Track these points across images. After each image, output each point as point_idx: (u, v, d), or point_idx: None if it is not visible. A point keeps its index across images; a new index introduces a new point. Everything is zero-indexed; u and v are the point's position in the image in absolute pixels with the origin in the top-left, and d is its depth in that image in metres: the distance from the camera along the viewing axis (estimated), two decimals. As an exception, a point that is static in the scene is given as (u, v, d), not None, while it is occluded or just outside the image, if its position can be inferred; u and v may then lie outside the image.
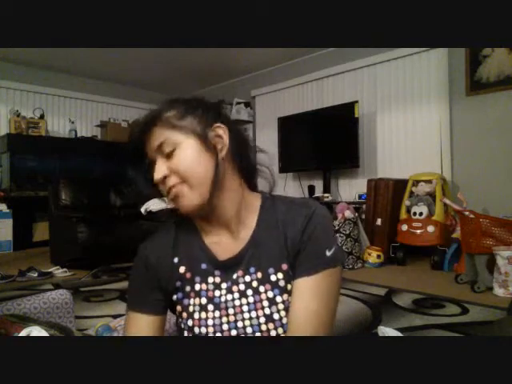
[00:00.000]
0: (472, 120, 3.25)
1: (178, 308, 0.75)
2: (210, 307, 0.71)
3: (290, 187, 4.49)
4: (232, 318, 0.70)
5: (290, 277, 0.70)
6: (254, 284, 0.71)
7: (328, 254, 0.68)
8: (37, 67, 4.69)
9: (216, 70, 4.90)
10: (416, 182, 3.12)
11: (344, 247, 2.98)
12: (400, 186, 3.19)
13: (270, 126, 4.69)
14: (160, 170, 0.69)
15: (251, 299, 0.70)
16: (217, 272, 0.73)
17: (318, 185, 4.15)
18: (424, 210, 2.97)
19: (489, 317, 1.78)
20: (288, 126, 4.34)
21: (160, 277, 0.74)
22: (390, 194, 3.16)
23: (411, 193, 3.13)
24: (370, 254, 3.07)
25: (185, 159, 0.68)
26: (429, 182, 3.04)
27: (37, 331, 0.78)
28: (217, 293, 0.72)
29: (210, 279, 0.73)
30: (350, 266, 2.99)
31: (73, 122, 4.86)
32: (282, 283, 0.70)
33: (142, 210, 3.42)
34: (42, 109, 4.63)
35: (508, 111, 3.06)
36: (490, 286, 2.21)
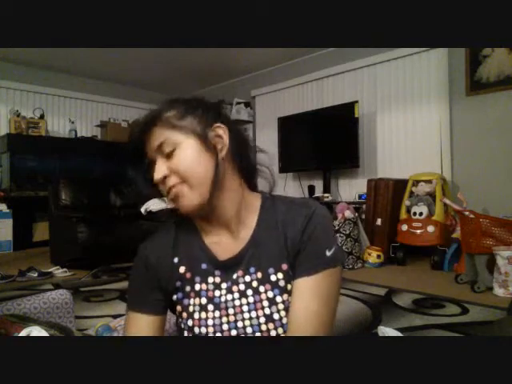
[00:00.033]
0: (472, 120, 3.25)
1: (178, 308, 0.75)
2: (210, 307, 0.71)
3: (290, 187, 4.49)
4: (232, 318, 0.70)
5: (290, 277, 0.70)
6: (254, 284, 0.71)
7: (328, 253, 0.68)
8: (37, 67, 4.69)
9: (216, 70, 4.90)
10: (416, 182, 3.12)
11: (344, 247, 2.98)
12: (400, 186, 3.19)
13: (270, 126, 4.69)
14: (160, 170, 0.69)
15: (251, 299, 0.70)
16: (217, 272, 0.73)
17: (318, 185, 4.15)
18: (424, 210, 2.97)
19: (489, 317, 1.78)
20: (288, 125, 4.34)
21: (160, 277, 0.74)
22: (390, 194, 3.16)
23: (411, 193, 3.13)
24: (369, 254, 3.07)
25: (185, 159, 0.68)
26: (429, 182, 3.04)
27: (37, 331, 0.78)
28: (217, 293, 0.72)
29: (210, 279, 0.73)
30: (350, 266, 2.99)
31: (73, 122, 4.86)
32: (282, 283, 0.70)
33: (142, 210, 3.42)
34: (42, 109, 4.63)
35: (508, 111, 3.06)
36: (490, 285, 2.21)
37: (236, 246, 0.73)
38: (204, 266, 0.73)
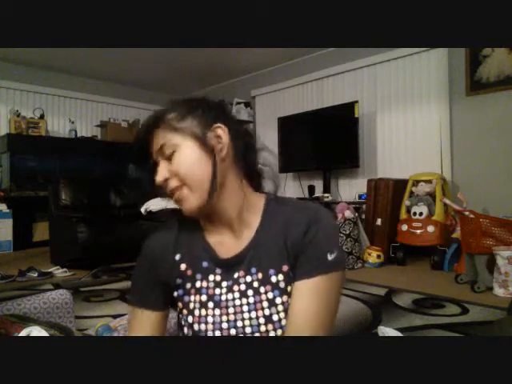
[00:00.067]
0: (472, 120, 3.25)
1: (179, 305, 0.75)
2: (210, 305, 0.72)
3: (290, 187, 4.49)
4: (232, 317, 0.71)
5: (290, 278, 0.70)
6: (255, 284, 0.71)
7: (330, 257, 0.68)
8: (37, 67, 4.69)
9: (216, 70, 4.90)
10: (416, 182, 3.12)
11: (344, 247, 2.98)
12: (400, 186, 3.18)
13: (270, 126, 4.69)
14: (161, 172, 0.70)
15: (251, 299, 0.70)
16: (218, 270, 0.73)
17: (318, 185, 4.15)
18: (424, 209, 2.97)
19: (489, 317, 1.78)
20: (288, 125, 4.34)
21: (161, 273, 0.75)
22: (390, 194, 3.16)
23: (411, 193, 3.13)
24: (370, 254, 3.07)
25: (184, 161, 0.68)
26: (429, 182, 3.04)
27: (37, 331, 0.78)
28: (217, 291, 0.72)
29: (211, 277, 0.73)
30: (350, 266, 2.99)
31: (73, 122, 4.86)
32: (282, 284, 0.70)
33: (142, 210, 3.43)
34: (42, 109, 4.63)
35: (508, 111, 3.06)
36: (490, 285, 2.21)
37: (238, 245, 0.73)
38: (205, 264, 0.73)
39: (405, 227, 3.01)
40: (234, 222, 0.73)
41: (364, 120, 3.90)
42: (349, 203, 3.32)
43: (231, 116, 0.77)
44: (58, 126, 4.89)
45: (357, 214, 3.21)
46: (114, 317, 1.75)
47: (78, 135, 4.86)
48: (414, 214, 3.01)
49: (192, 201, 0.69)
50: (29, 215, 4.23)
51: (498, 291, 2.15)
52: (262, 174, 0.79)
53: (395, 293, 2.24)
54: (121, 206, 3.69)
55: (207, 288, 0.72)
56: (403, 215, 3.10)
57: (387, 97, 3.80)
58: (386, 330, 1.04)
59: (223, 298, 0.71)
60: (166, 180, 0.70)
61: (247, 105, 4.99)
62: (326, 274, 0.67)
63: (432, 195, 3.02)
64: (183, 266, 0.74)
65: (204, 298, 0.72)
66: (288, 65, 4.67)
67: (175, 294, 0.75)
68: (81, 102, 5.10)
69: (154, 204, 3.38)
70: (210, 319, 0.71)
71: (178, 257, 0.75)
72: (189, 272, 0.74)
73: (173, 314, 0.89)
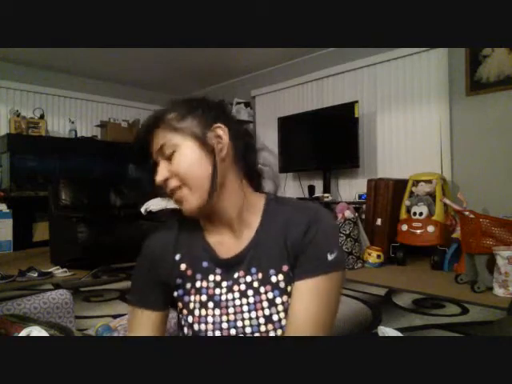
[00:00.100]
0: (472, 120, 3.25)
1: (179, 305, 0.75)
2: (210, 305, 0.72)
3: (290, 187, 4.49)
4: (232, 317, 0.71)
5: (290, 278, 0.70)
6: (255, 284, 0.71)
7: (330, 258, 0.68)
8: (37, 67, 4.69)
9: (216, 70, 4.90)
10: (416, 182, 3.12)
11: (344, 247, 2.98)
12: (400, 186, 3.18)
13: (270, 126, 4.69)
14: (161, 172, 0.70)
15: (251, 299, 0.70)
16: (218, 270, 0.73)
17: (318, 185, 4.15)
18: (424, 209, 2.97)
19: (489, 317, 1.78)
20: (288, 126, 4.34)
21: (161, 273, 0.75)
22: (390, 194, 3.16)
23: (411, 193, 3.13)
24: (370, 254, 3.07)
25: (184, 161, 0.68)
26: (429, 182, 3.04)
27: (37, 331, 0.78)
28: (217, 291, 0.72)
29: (211, 277, 0.73)
30: (350, 266, 2.99)
31: (73, 122, 4.86)
32: (282, 285, 0.70)
33: (142, 210, 3.43)
34: (42, 109, 4.63)
35: (508, 111, 3.06)
36: (490, 285, 2.21)
37: (238, 245, 0.73)
38: (205, 264, 0.73)
39: (405, 227, 3.01)
40: (234, 222, 0.73)
41: (364, 120, 3.90)
42: (349, 203, 3.32)
43: (231, 116, 0.77)
44: (57, 126, 4.89)
45: (357, 214, 3.21)
46: (114, 317, 1.75)
47: (78, 135, 4.86)
48: (414, 213, 3.01)
49: (192, 201, 0.69)
50: (29, 215, 4.23)
51: (498, 291, 2.15)
52: (262, 174, 0.79)
53: (395, 293, 2.24)
54: (121, 205, 3.69)
55: (207, 288, 0.72)
56: (403, 215, 3.10)
57: (387, 97, 3.80)
58: (386, 330, 1.04)
59: (223, 298, 0.71)
60: (166, 180, 0.70)
61: (247, 105, 4.99)
62: (326, 274, 0.67)
63: (432, 195, 3.02)
64: (183, 266, 0.74)
65: (204, 297, 0.72)
66: (288, 65, 4.67)
67: (175, 293, 0.75)
68: (81, 102, 5.10)
69: (154, 204, 3.39)
70: (210, 319, 0.71)
71: (178, 257, 0.75)
72: (189, 272, 0.74)
73: (173, 314, 0.89)
